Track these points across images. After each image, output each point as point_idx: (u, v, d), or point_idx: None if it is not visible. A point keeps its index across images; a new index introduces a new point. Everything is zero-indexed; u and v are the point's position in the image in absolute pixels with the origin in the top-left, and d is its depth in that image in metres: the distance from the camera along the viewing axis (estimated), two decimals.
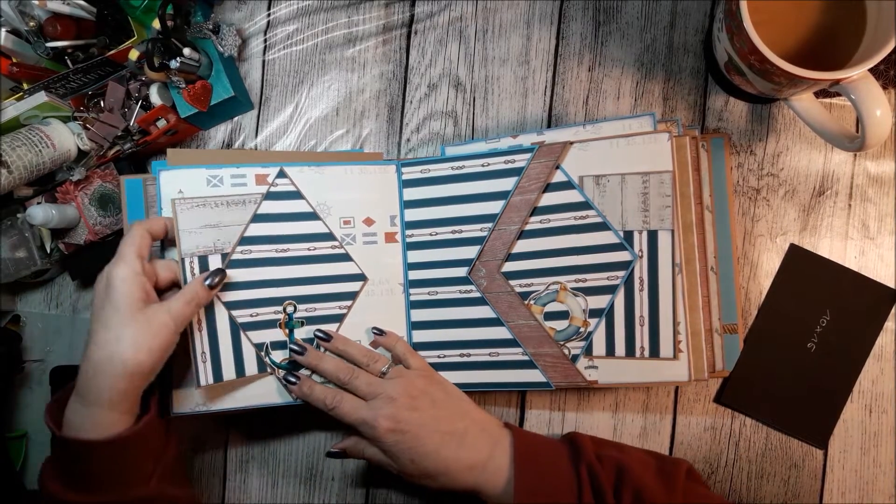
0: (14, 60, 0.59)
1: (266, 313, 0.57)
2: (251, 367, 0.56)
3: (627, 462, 0.51)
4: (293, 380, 0.56)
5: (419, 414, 0.52)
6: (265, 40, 0.66)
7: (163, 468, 0.50)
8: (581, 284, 0.56)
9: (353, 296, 0.59)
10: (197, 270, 0.55)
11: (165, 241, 0.56)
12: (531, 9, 0.64)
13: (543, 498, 0.49)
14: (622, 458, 0.52)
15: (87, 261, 0.63)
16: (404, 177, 0.60)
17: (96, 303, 0.48)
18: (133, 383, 0.47)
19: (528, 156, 0.56)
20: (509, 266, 0.58)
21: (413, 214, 0.60)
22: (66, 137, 0.60)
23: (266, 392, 0.57)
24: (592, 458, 0.51)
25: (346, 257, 0.59)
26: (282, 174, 0.58)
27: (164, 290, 0.54)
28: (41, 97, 0.58)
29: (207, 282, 0.52)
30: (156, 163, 0.59)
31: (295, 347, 0.56)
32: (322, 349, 0.57)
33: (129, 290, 0.47)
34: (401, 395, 0.53)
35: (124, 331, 0.46)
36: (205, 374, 0.55)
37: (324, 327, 0.58)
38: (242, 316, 0.56)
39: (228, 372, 0.56)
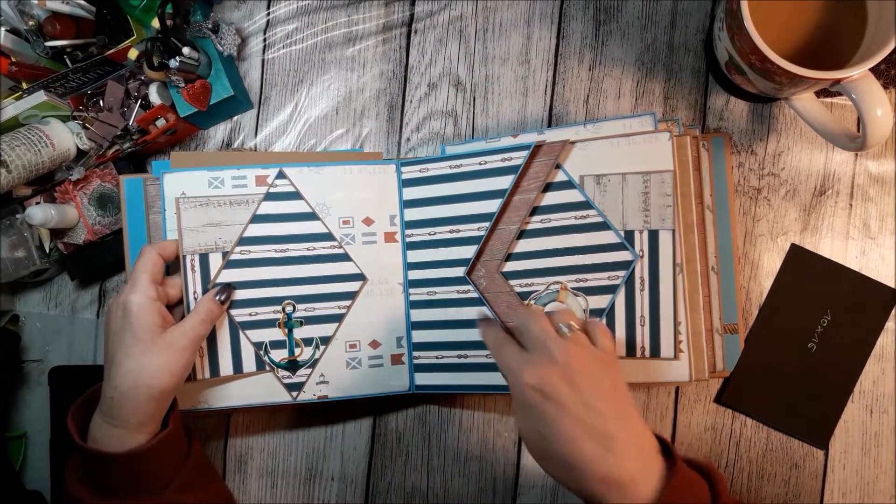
0: (13, 60, 0.59)
1: (265, 313, 0.57)
2: (249, 364, 0.57)
3: None
4: (481, 317, 0.53)
5: (572, 390, 0.44)
6: (264, 39, 0.66)
7: (183, 477, 0.51)
8: (582, 284, 0.56)
9: (352, 296, 0.59)
10: (198, 268, 0.55)
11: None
12: (531, 8, 0.63)
13: None
14: None
15: (87, 261, 0.63)
16: (404, 176, 0.60)
17: (113, 328, 0.50)
18: (160, 406, 0.49)
19: (524, 153, 0.56)
20: (509, 266, 0.57)
21: (412, 214, 0.60)
22: (65, 137, 0.60)
23: (266, 391, 0.57)
24: None
25: (345, 257, 0.59)
26: (281, 175, 0.58)
27: (174, 304, 0.55)
28: (40, 96, 0.58)
29: (218, 297, 0.54)
30: (156, 163, 0.59)
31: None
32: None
33: (147, 317, 0.49)
34: (565, 361, 0.45)
35: (147, 359, 0.48)
36: (201, 368, 0.55)
37: (324, 326, 0.58)
38: (241, 315, 0.57)
39: (226, 367, 0.56)
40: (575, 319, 0.49)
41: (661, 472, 0.44)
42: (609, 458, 0.43)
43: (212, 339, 0.56)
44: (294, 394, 0.58)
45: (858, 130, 0.51)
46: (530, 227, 0.57)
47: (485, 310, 0.56)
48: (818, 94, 0.59)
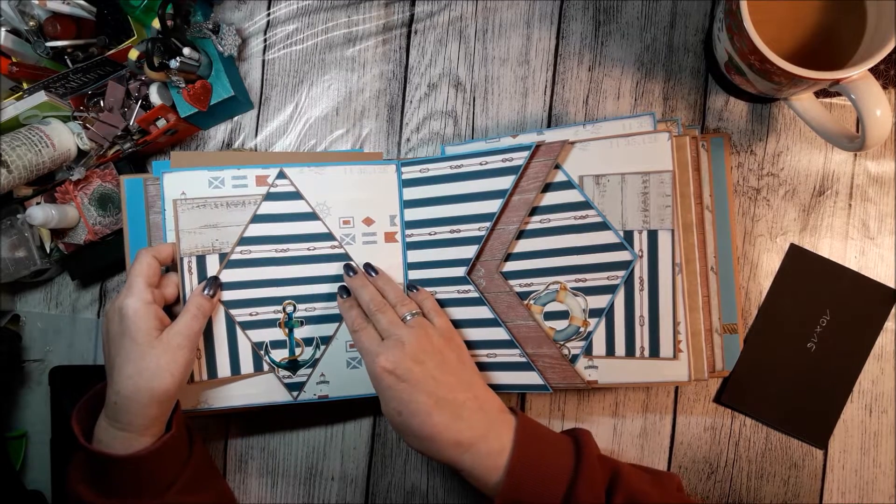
0: (14, 60, 0.59)
1: (265, 312, 0.57)
2: (247, 365, 0.57)
3: (623, 467, 0.50)
4: (344, 295, 0.57)
5: (421, 369, 0.50)
6: (265, 40, 0.66)
7: (185, 478, 0.51)
8: (581, 284, 0.56)
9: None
10: (195, 269, 0.55)
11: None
12: (531, 8, 0.64)
13: (531, 496, 0.47)
14: (618, 463, 0.51)
15: (87, 261, 0.63)
16: (404, 176, 0.60)
17: (112, 333, 0.50)
18: (162, 408, 0.50)
19: (525, 153, 0.56)
20: (509, 266, 0.58)
21: (412, 214, 0.60)
22: (65, 137, 0.60)
23: (266, 391, 0.57)
24: (594, 456, 0.49)
25: (345, 257, 0.59)
26: (281, 175, 0.58)
27: (171, 303, 0.55)
28: (41, 97, 0.58)
29: (206, 292, 0.54)
30: (156, 163, 0.60)
31: (350, 271, 0.57)
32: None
33: (144, 321, 0.49)
34: (412, 344, 0.51)
35: (146, 363, 0.48)
36: (199, 370, 0.56)
37: (324, 326, 0.58)
38: (242, 315, 0.57)
39: (223, 369, 0.56)
40: (414, 307, 0.55)
41: (513, 425, 0.50)
42: (458, 423, 0.48)
43: (209, 341, 0.56)
44: (294, 393, 0.58)
45: (858, 131, 0.51)
46: (530, 227, 0.57)
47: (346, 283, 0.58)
48: (818, 94, 0.59)
